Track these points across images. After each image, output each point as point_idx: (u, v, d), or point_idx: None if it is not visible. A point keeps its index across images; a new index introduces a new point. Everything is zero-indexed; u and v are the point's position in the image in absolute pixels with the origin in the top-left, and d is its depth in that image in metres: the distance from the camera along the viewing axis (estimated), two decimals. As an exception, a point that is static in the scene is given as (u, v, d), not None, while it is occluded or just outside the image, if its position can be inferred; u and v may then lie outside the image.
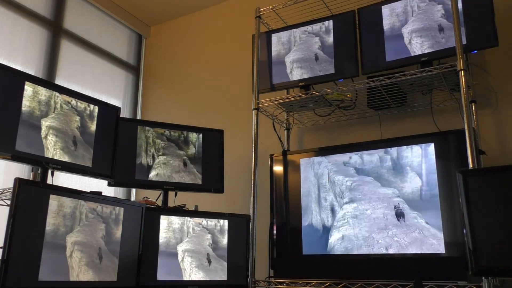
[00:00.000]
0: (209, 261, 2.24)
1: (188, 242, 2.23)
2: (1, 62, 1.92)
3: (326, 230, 2.31)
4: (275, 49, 2.67)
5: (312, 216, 2.38)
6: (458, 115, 2.42)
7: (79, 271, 1.80)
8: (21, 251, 1.61)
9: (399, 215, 2.11)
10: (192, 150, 2.57)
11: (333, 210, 2.32)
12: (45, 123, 1.93)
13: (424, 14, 2.27)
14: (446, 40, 2.18)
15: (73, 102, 2.06)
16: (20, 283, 1.59)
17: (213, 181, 2.58)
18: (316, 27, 2.57)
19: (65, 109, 2.02)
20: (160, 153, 2.49)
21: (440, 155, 2.10)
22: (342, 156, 2.39)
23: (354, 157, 2.34)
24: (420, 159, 2.15)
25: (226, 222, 2.34)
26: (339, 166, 2.37)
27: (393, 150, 2.24)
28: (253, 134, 2.52)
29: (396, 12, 2.34)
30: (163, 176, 2.47)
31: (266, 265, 2.60)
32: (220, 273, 2.25)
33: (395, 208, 2.13)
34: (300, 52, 2.57)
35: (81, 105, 2.09)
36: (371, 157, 2.29)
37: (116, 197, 2.08)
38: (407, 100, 2.50)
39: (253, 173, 2.46)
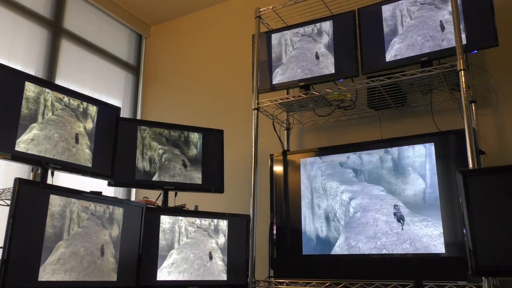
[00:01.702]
0: (209, 261, 2.24)
1: (188, 242, 2.23)
2: (1, 62, 1.92)
3: (321, 242, 2.27)
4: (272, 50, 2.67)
5: (306, 223, 2.35)
6: (458, 115, 2.42)
7: (79, 271, 1.80)
8: (21, 251, 1.61)
9: (400, 217, 2.11)
10: (192, 150, 2.57)
11: (328, 219, 2.28)
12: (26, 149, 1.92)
13: (420, 24, 2.26)
14: (447, 42, 2.18)
15: (65, 99, 2.03)
16: (20, 283, 1.59)
17: (213, 181, 2.58)
18: (308, 28, 2.57)
19: (58, 108, 2.01)
20: (158, 154, 2.49)
21: (440, 155, 2.10)
22: (338, 157, 2.33)
23: (352, 157, 2.28)
24: (420, 159, 2.14)
25: (226, 222, 2.34)
26: (335, 167, 2.28)
27: (394, 150, 2.22)
28: (253, 134, 2.52)
29: (391, 15, 2.34)
30: (163, 176, 2.47)
31: (266, 265, 2.60)
32: (220, 273, 2.25)
33: (394, 208, 2.13)
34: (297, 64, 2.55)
35: (74, 102, 2.07)
36: (370, 157, 2.26)
37: (116, 197, 2.08)
38: (407, 100, 2.50)
39: (253, 173, 2.46)
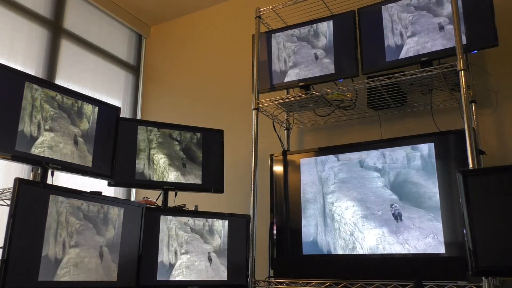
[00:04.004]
0: (209, 261, 2.24)
1: (189, 242, 2.23)
2: (1, 62, 1.92)
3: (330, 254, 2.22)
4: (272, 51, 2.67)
5: (317, 232, 2.24)
6: (458, 115, 2.42)
7: (79, 271, 1.80)
8: (21, 251, 1.61)
9: (397, 216, 2.11)
10: (199, 152, 2.57)
11: (339, 232, 2.19)
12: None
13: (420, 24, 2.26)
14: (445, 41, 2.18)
15: (58, 97, 2.00)
16: (20, 283, 1.59)
17: (213, 181, 2.58)
18: (304, 30, 2.57)
19: (49, 110, 1.99)
20: (159, 155, 2.49)
21: (440, 155, 2.10)
22: (356, 154, 2.18)
23: (375, 154, 2.06)
24: (418, 159, 2.14)
25: (221, 222, 2.34)
26: (352, 168, 2.10)
27: (423, 146, 2.13)
28: (253, 134, 2.52)
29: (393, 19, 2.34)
30: (163, 176, 2.47)
31: (266, 265, 2.60)
32: (220, 273, 2.25)
33: (392, 208, 2.13)
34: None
35: (68, 101, 2.06)
36: (396, 154, 2.06)
37: (116, 197, 2.08)
38: (407, 100, 2.50)
39: (253, 173, 2.46)
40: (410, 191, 2.07)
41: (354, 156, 2.24)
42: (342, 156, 2.30)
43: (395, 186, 2.10)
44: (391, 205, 2.12)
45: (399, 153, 2.09)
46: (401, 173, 2.07)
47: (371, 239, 2.10)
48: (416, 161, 2.07)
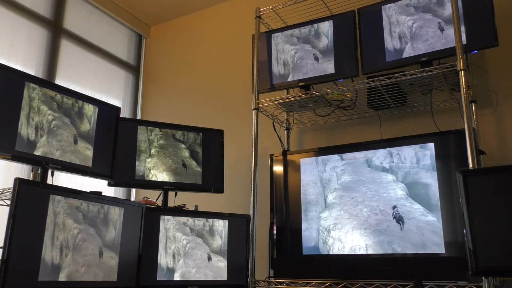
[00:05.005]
0: (209, 261, 2.24)
1: (189, 242, 2.23)
2: (1, 62, 1.92)
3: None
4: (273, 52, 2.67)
5: (319, 238, 2.24)
6: (458, 115, 2.42)
7: (79, 271, 1.80)
8: (21, 251, 1.61)
9: (399, 218, 2.11)
10: (199, 152, 2.57)
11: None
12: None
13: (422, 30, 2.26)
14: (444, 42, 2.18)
15: (58, 97, 1.99)
16: (20, 283, 1.59)
17: (213, 181, 2.58)
18: (305, 30, 2.57)
19: (46, 111, 2.01)
20: (160, 155, 2.49)
21: (440, 155, 2.10)
22: (361, 153, 2.14)
23: (381, 153, 2.03)
24: (418, 159, 2.14)
25: (222, 222, 2.34)
26: (359, 170, 2.06)
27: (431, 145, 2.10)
28: (253, 134, 2.52)
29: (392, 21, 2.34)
30: (163, 176, 2.47)
31: (266, 265, 2.59)
32: (220, 273, 2.25)
33: (393, 209, 2.13)
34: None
35: (68, 101, 2.05)
36: (405, 153, 2.02)
37: (116, 197, 2.08)
38: (407, 100, 2.50)
39: (253, 173, 2.46)
40: (419, 192, 2.06)
41: (360, 155, 2.20)
42: (346, 155, 2.28)
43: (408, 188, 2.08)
44: (393, 207, 2.12)
45: (408, 152, 2.06)
46: (410, 173, 2.02)
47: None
48: (426, 160, 2.05)
